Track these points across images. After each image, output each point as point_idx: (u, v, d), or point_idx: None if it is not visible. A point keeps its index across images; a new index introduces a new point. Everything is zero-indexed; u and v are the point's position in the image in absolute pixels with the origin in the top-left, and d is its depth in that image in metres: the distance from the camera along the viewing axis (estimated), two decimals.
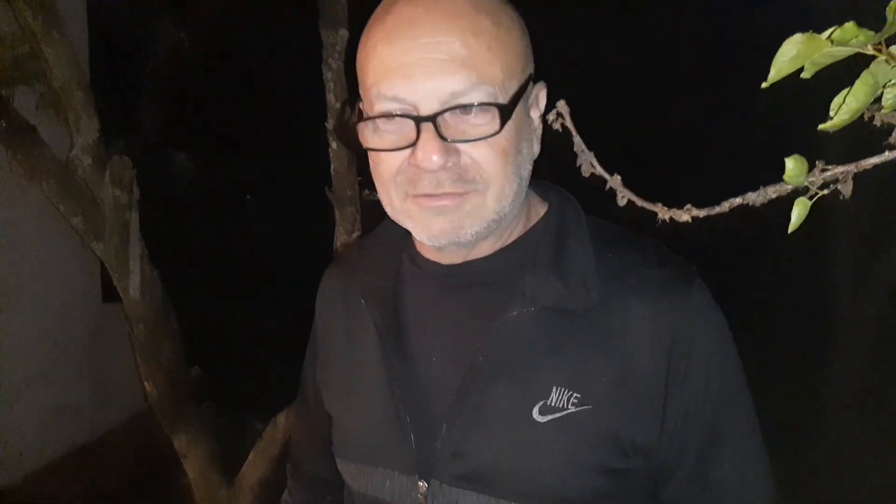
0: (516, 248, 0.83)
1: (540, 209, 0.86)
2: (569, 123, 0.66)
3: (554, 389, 0.75)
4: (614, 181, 0.65)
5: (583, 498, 0.75)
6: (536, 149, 0.80)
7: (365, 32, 0.77)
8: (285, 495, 1.16)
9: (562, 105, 0.67)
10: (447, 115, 0.70)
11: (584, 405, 0.74)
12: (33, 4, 2.09)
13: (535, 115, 0.79)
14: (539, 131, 0.80)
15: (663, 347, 0.76)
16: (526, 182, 0.79)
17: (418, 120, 0.71)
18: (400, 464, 0.81)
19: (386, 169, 0.76)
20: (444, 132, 0.71)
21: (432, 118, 0.70)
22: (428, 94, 0.70)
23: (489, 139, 0.72)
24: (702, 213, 0.63)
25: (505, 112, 0.71)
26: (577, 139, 0.66)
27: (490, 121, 0.71)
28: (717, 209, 0.63)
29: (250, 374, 6.00)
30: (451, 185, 0.73)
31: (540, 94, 0.80)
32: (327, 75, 2.26)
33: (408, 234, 0.84)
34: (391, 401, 0.82)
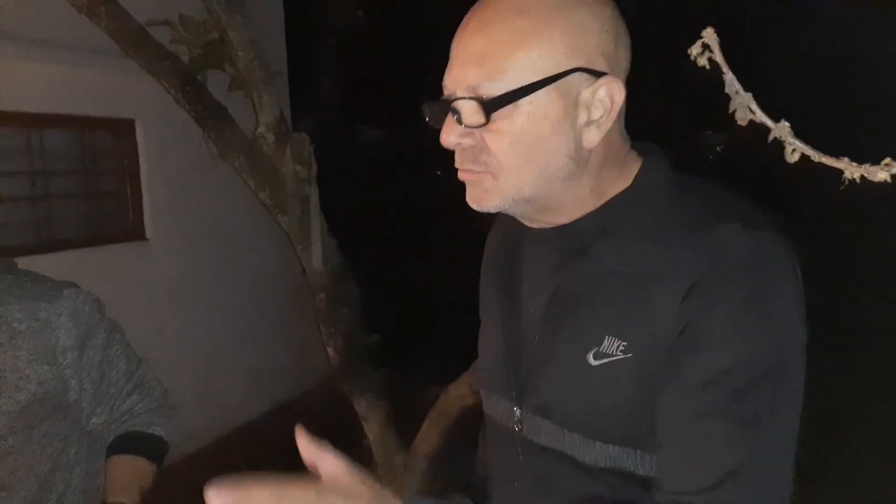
0: (594, 216, 0.91)
1: (628, 177, 0.91)
2: (718, 57, 0.52)
3: (606, 338, 0.85)
4: (782, 129, 0.50)
5: (630, 436, 0.84)
6: (589, 139, 0.85)
7: None
8: (480, 431, 1.26)
9: (709, 34, 0.52)
10: (458, 103, 0.83)
11: (629, 353, 0.83)
12: None
13: (596, 108, 0.84)
14: (601, 123, 0.85)
15: (687, 300, 0.80)
16: (564, 170, 0.85)
17: (442, 103, 0.85)
18: (505, 392, 0.96)
19: None
20: (459, 116, 0.83)
21: (447, 103, 0.84)
22: (454, 82, 0.83)
23: (503, 127, 0.82)
24: None
25: (489, 106, 0.80)
26: (728, 76, 0.52)
27: (483, 113, 0.81)
28: None
29: (426, 342, 6.19)
30: (468, 163, 0.86)
31: (610, 88, 0.83)
32: None
33: None
34: (504, 341, 0.98)
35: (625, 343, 0.84)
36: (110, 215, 3.83)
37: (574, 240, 0.91)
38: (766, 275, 0.80)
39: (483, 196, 0.87)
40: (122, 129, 3.82)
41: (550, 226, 0.93)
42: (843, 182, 0.50)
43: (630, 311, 0.85)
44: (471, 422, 3.02)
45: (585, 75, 0.82)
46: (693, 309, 0.80)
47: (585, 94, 0.83)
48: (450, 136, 0.84)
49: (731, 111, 0.53)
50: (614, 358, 0.84)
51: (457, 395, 2.85)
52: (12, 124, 3.28)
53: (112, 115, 3.73)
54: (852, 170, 0.49)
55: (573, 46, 0.82)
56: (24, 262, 1.31)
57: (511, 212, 0.90)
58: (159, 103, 3.55)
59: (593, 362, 0.85)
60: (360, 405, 3.04)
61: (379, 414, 3.06)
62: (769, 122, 0.50)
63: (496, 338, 1.00)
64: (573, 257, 0.90)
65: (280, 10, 5.22)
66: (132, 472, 1.27)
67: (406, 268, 7.60)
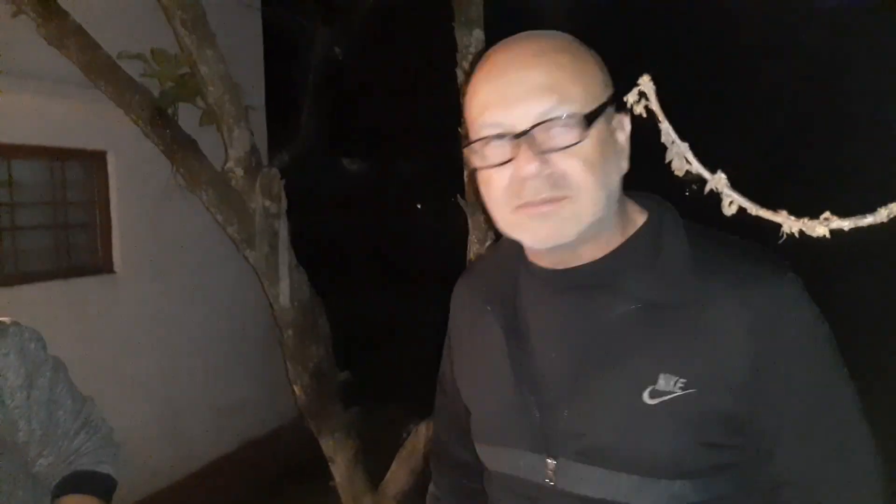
0: (618, 254, 0.92)
1: (639, 219, 0.95)
2: (654, 105, 0.52)
3: (661, 376, 0.85)
4: (718, 181, 0.49)
5: (693, 469, 0.85)
6: (624, 165, 0.90)
7: (470, 81, 0.93)
8: (431, 487, 1.25)
9: (645, 82, 0.52)
10: (538, 129, 0.84)
11: (690, 389, 0.84)
12: (188, 24, 2.22)
13: (621, 137, 0.90)
14: (626, 152, 0.90)
15: (754, 334, 0.83)
16: (615, 194, 0.89)
17: (515, 136, 0.85)
18: (529, 444, 0.92)
19: (495, 188, 0.90)
20: (536, 145, 0.84)
21: (526, 132, 0.84)
22: (521, 115, 0.85)
23: (576, 151, 0.84)
24: (845, 224, 0.46)
25: (585, 120, 0.83)
26: (664, 126, 0.51)
27: (573, 132, 0.84)
28: (870, 219, 0.45)
29: (398, 378, 6.12)
30: (549, 191, 0.85)
31: (623, 121, 0.90)
32: (461, 78, 2.19)
33: (521, 248, 0.98)
34: (517, 389, 0.94)
35: (684, 380, 0.84)
36: (78, 247, 3.77)
37: (604, 277, 0.91)
38: (810, 304, 0.87)
39: (562, 226, 0.86)
40: (94, 161, 3.78)
41: (564, 267, 0.93)
42: (782, 236, 0.49)
43: (684, 346, 0.86)
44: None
45: (613, 107, 0.89)
46: (763, 339, 0.83)
47: (614, 122, 0.89)
48: (530, 164, 0.84)
49: (667, 161, 0.52)
50: (674, 395, 0.85)
51: (427, 434, 2.80)
52: None
53: (83, 146, 3.69)
54: (791, 223, 0.48)
55: (605, 79, 0.89)
56: None
57: (569, 245, 0.89)
58: (131, 135, 3.51)
59: (650, 401, 0.85)
60: (328, 445, 2.98)
61: (347, 454, 3.00)
62: (706, 174, 0.49)
63: (502, 391, 0.97)
64: (604, 295, 0.90)
65: (259, 45, 5.25)
66: None
67: (379, 303, 7.57)
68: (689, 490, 0.85)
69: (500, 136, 0.86)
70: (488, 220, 2.35)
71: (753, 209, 0.47)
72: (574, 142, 0.84)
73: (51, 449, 1.25)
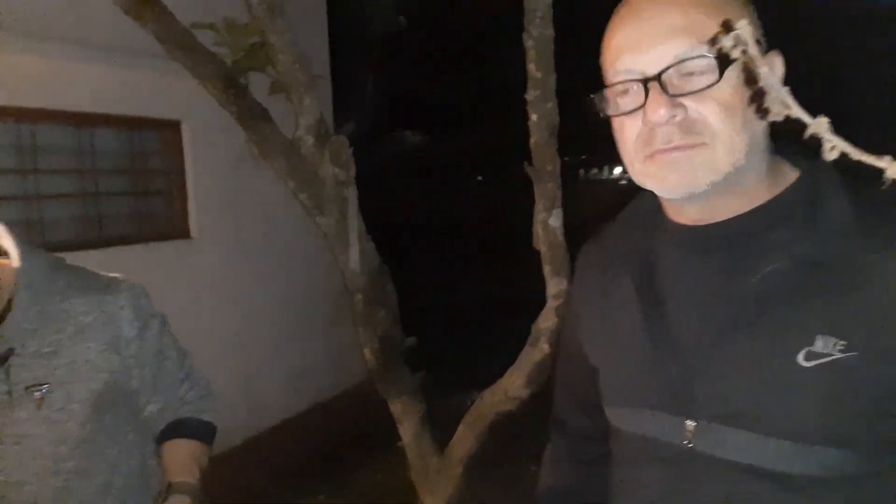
0: (766, 210, 0.88)
1: (790, 174, 0.90)
2: (752, 50, 0.49)
3: (819, 337, 0.80)
4: (820, 125, 0.47)
5: (850, 438, 0.79)
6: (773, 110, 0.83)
7: (606, 30, 0.90)
8: (548, 449, 1.24)
9: (742, 26, 0.49)
10: (671, 72, 0.81)
11: (850, 352, 0.78)
12: None
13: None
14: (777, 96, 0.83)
15: None
16: (759, 142, 0.85)
17: (645, 81, 0.83)
18: (667, 405, 0.90)
19: (627, 136, 0.88)
20: (668, 89, 0.81)
21: (657, 77, 0.82)
22: (654, 59, 0.82)
23: (712, 94, 0.80)
24: None
25: (722, 63, 0.78)
26: (763, 70, 0.49)
27: (709, 74, 0.80)
28: None
29: (461, 347, 6.18)
30: (680, 137, 0.82)
31: (775, 61, 0.85)
32: (528, 44, 2.15)
33: (659, 205, 0.96)
34: (654, 350, 0.92)
35: (844, 342, 0.79)
36: (157, 213, 3.92)
37: (753, 232, 0.87)
38: None
39: (694, 174, 0.83)
40: (169, 130, 3.91)
41: (705, 223, 0.90)
42: (885, 182, 0.46)
43: (844, 307, 0.80)
44: (506, 428, 3.00)
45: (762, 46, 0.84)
46: None
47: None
48: (660, 108, 0.81)
49: (764, 106, 0.50)
50: (833, 358, 0.80)
51: (492, 400, 2.83)
52: (63, 123, 3.37)
53: (159, 115, 3.81)
54: (895, 169, 0.45)
55: (751, 17, 0.85)
56: (73, 258, 1.35)
57: (703, 196, 0.86)
58: (204, 105, 3.60)
59: (806, 364, 0.81)
60: (396, 407, 3.04)
61: (414, 416, 3.06)
62: (807, 118, 0.47)
63: (637, 352, 0.94)
64: (752, 252, 0.86)
65: (323, 15, 5.28)
66: (191, 454, 1.33)
67: (443, 272, 7.60)
68: (846, 460, 0.79)
69: (631, 82, 0.85)
70: (556, 189, 2.34)
71: (856, 154, 0.45)
72: (707, 84, 0.80)
73: (159, 397, 1.35)
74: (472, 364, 4.80)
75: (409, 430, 3.08)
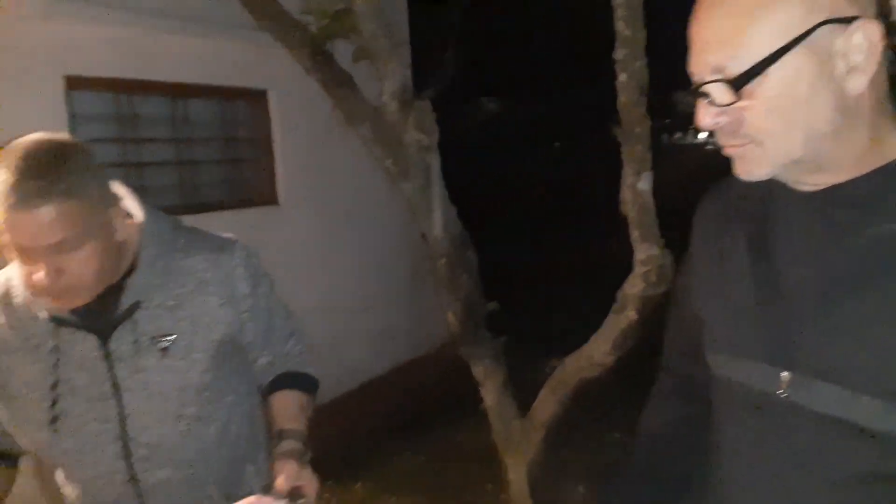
0: (883, 172, 0.88)
1: None
2: None
3: None
4: None
5: None
6: (854, 87, 0.83)
7: None
8: (653, 390, 1.28)
9: None
10: (707, 86, 0.84)
11: None
12: None
13: (856, 55, 0.82)
14: (864, 68, 0.82)
15: None
16: (825, 127, 0.84)
17: (692, 90, 0.87)
18: (765, 355, 0.92)
19: None
20: (713, 98, 0.85)
21: (696, 88, 0.86)
22: (699, 67, 0.86)
23: (756, 97, 0.82)
24: None
25: (736, 83, 0.81)
26: None
27: (732, 92, 0.82)
28: None
29: (542, 314, 6.16)
30: (728, 139, 0.87)
31: (856, 35, 0.81)
32: (617, 0, 2.09)
33: None
34: (759, 301, 0.94)
35: None
36: (246, 181, 4.06)
37: (869, 195, 0.88)
38: None
39: (751, 166, 0.88)
40: (257, 99, 4.02)
41: (821, 187, 0.91)
42: None
43: None
44: (589, 395, 2.99)
45: (834, 25, 0.82)
46: None
47: (839, 43, 0.83)
48: (705, 118, 0.86)
49: None
50: None
51: (576, 366, 2.82)
52: (159, 93, 3.53)
53: (247, 85, 3.93)
54: None
55: (812, 2, 0.83)
56: None
57: (780, 177, 0.90)
58: (289, 74, 3.69)
59: None
60: (478, 370, 3.07)
61: (496, 379, 3.09)
62: None
63: (741, 296, 0.97)
64: (870, 213, 0.87)
65: None
66: (298, 404, 1.40)
67: (524, 239, 7.55)
68: None
69: (691, 88, 0.88)
70: (645, 151, 2.28)
71: None
72: (728, 102, 0.83)
73: (268, 350, 1.42)
74: (553, 331, 4.79)
75: (490, 393, 3.12)
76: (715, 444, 1.04)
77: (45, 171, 1.07)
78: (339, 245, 4.52)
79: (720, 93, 0.84)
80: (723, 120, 0.86)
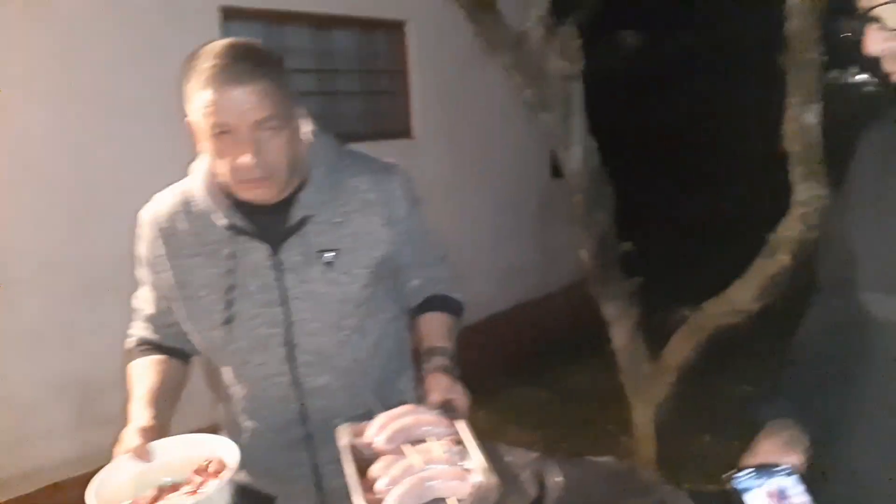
0: None
1: None
2: None
3: None
4: None
5: None
6: None
7: None
8: (806, 313, 1.26)
9: None
10: (879, 7, 0.82)
11: None
12: None
13: None
14: None
15: None
16: None
17: (861, 16, 0.85)
18: None
19: None
20: (882, 22, 0.83)
21: (865, 13, 0.84)
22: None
23: None
24: None
25: None
26: None
27: None
28: None
29: (677, 258, 5.92)
30: None
31: None
32: None
33: None
34: None
35: None
36: (383, 113, 4.12)
37: None
38: None
39: None
40: (395, 30, 4.03)
41: None
42: None
43: None
44: (726, 342, 2.87)
45: None
46: None
47: None
48: (874, 44, 0.86)
49: None
50: None
51: (715, 311, 2.71)
52: (304, 23, 3.61)
53: (386, 16, 3.94)
54: None
55: None
56: None
57: None
58: (429, 3, 3.67)
59: None
60: (609, 310, 3.03)
61: (628, 320, 3.03)
62: None
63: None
64: None
65: None
66: (447, 325, 1.43)
67: (665, 178, 7.18)
68: None
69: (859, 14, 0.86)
70: (815, 80, 2.09)
71: None
72: None
73: (420, 272, 1.46)
74: (689, 276, 4.61)
75: (621, 334, 3.07)
76: (868, 380, 1.05)
77: (252, 56, 1.17)
78: (469, 179, 4.53)
79: (894, 15, 0.82)
80: (893, 45, 0.85)
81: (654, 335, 3.17)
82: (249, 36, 1.38)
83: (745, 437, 1.19)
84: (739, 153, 6.94)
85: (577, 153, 2.63)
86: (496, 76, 4.15)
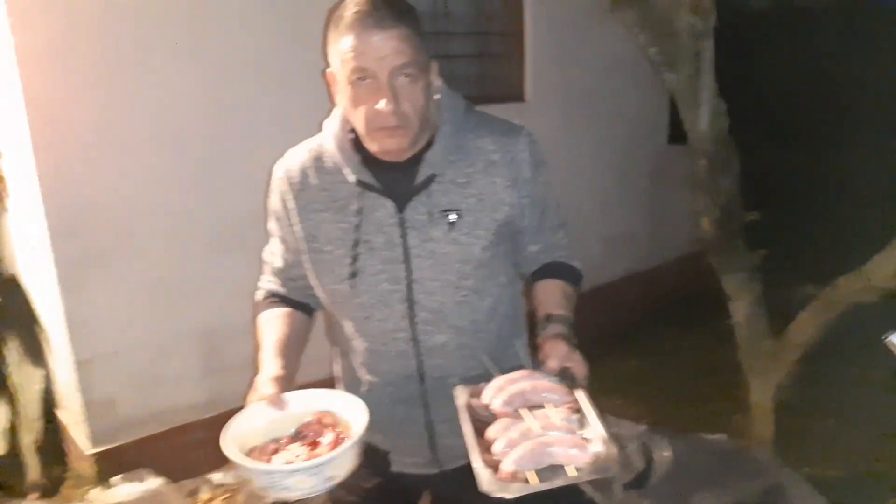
0: None
1: None
2: None
3: None
4: None
5: None
6: None
7: None
8: None
9: None
10: None
11: None
12: None
13: None
14: None
15: None
16: None
17: None
18: None
19: None
20: None
21: None
22: None
23: None
24: None
25: None
26: None
27: None
28: None
29: (807, 232, 5.56)
30: None
31: None
32: None
33: None
34: None
35: None
36: (496, 76, 4.07)
37: None
38: None
39: None
40: None
41: None
42: None
43: None
44: (855, 321, 2.68)
45: None
46: None
47: None
48: None
49: None
50: None
51: (850, 288, 2.53)
52: None
53: None
54: None
55: None
56: None
57: None
58: None
59: None
60: (730, 283, 2.89)
61: (749, 295, 2.88)
62: None
63: None
64: None
65: None
66: (565, 293, 1.40)
67: (795, 145, 6.67)
68: None
69: None
70: None
71: None
72: None
73: (539, 238, 1.44)
74: (819, 250, 4.33)
75: (741, 308, 2.93)
76: None
77: (393, 4, 1.20)
78: (582, 144, 4.41)
79: None
80: None
81: (776, 310, 3.01)
82: None
83: (875, 422, 1.10)
84: (879, 118, 6.37)
85: (705, 115, 2.49)
86: (612, 37, 4.01)
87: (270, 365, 1.28)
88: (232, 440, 1.12)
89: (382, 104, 1.18)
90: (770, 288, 3.02)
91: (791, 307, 2.89)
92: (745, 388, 3.04)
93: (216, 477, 3.04)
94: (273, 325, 1.40)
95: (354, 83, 1.20)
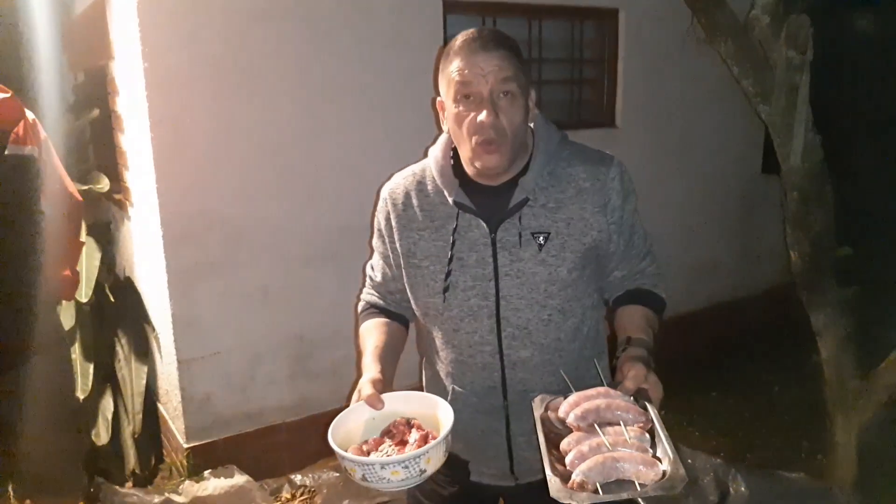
0: None
1: None
2: None
3: None
4: None
5: None
6: None
7: None
8: None
9: None
10: None
11: None
12: None
13: None
14: None
15: None
16: None
17: None
18: None
19: None
20: None
21: None
22: None
23: None
24: None
25: None
26: None
27: None
28: None
29: None
30: None
31: None
32: None
33: None
34: None
35: None
36: (587, 102, 4.11)
37: None
38: None
39: None
40: (606, 19, 4.00)
41: None
42: None
43: None
44: None
45: None
46: None
47: None
48: None
49: None
50: None
51: None
52: (519, 15, 3.70)
53: (598, 4, 3.92)
54: None
55: None
56: None
57: None
58: None
59: None
60: (818, 319, 2.83)
61: (838, 332, 2.81)
62: None
63: None
64: None
65: None
66: (646, 318, 1.45)
67: (890, 178, 6.38)
68: None
69: None
70: None
71: None
72: None
73: (624, 264, 1.49)
74: None
75: (829, 345, 2.86)
76: None
77: (497, 33, 1.34)
78: (672, 170, 4.39)
79: None
80: None
81: (866, 349, 2.91)
82: (467, 27, 1.50)
83: None
84: None
85: (798, 147, 2.47)
86: (705, 66, 4.00)
87: (370, 369, 1.39)
88: (333, 437, 1.23)
89: (483, 115, 1.29)
90: (861, 325, 2.93)
91: (882, 346, 2.80)
92: (828, 427, 2.96)
93: (297, 478, 3.20)
94: (373, 333, 1.51)
95: (459, 101, 1.32)
